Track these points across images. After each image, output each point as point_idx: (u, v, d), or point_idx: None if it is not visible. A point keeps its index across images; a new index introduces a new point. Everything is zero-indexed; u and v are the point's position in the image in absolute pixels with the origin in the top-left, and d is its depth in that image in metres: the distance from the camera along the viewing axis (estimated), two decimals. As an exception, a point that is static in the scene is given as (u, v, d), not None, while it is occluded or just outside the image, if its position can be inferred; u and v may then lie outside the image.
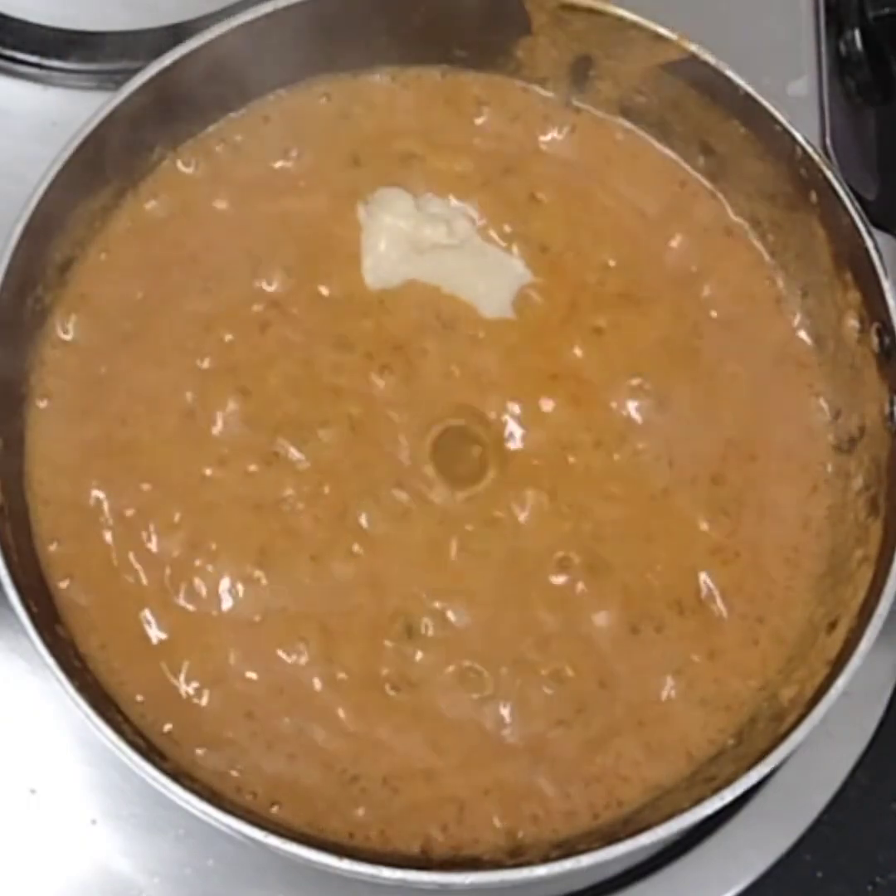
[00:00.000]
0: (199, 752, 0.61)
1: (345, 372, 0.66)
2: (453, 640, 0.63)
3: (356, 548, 0.63)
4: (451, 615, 0.63)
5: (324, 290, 0.67)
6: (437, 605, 0.63)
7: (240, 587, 0.63)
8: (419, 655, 0.62)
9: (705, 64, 0.65)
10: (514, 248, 0.68)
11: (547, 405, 0.65)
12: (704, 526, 0.65)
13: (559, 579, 0.63)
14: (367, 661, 0.62)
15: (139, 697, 0.61)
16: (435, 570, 0.63)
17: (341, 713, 0.61)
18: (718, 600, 0.64)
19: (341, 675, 0.62)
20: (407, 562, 0.63)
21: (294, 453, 0.64)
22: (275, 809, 0.60)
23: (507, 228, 0.68)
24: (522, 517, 0.64)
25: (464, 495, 0.64)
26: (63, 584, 0.63)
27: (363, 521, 0.64)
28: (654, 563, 0.64)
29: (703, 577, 0.64)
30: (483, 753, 0.61)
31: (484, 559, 0.64)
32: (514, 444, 0.65)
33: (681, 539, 0.64)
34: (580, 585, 0.63)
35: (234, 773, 0.61)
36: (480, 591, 0.63)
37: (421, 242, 0.67)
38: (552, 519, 0.64)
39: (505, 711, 0.62)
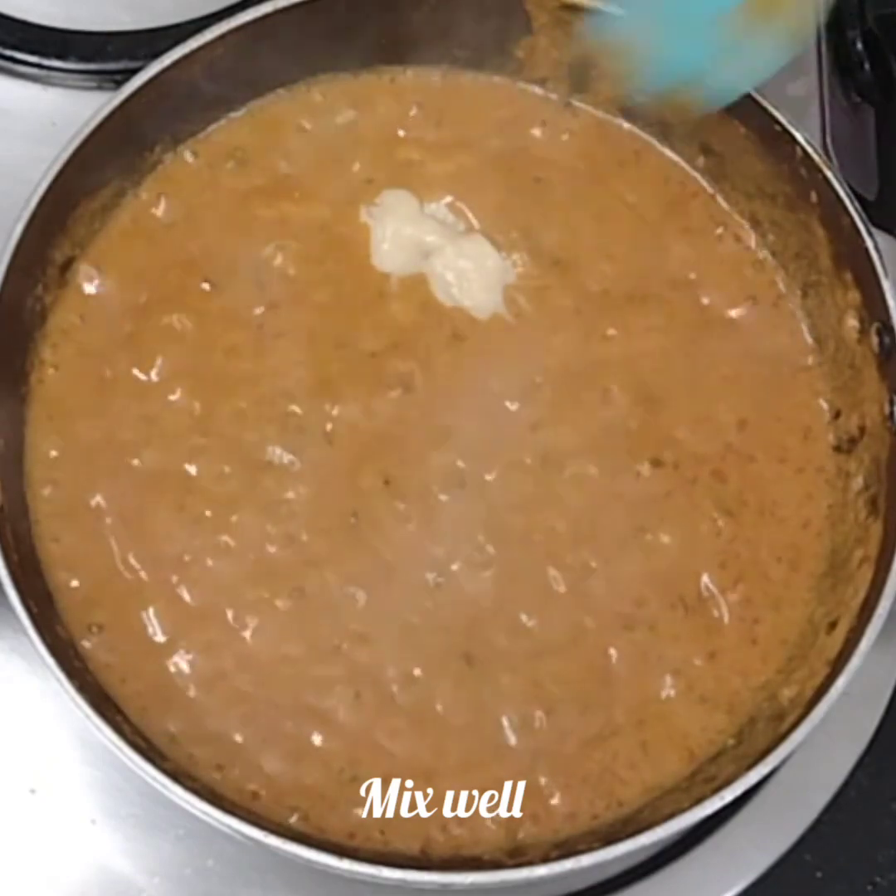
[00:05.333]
0: (198, 752, 0.61)
1: (349, 374, 0.66)
2: (454, 643, 0.63)
3: (352, 552, 0.63)
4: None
5: (327, 292, 0.67)
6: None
7: (239, 587, 0.63)
8: (420, 656, 0.62)
9: (705, 64, 0.65)
10: (518, 254, 0.68)
11: (547, 407, 0.66)
12: (706, 526, 0.65)
13: (562, 583, 0.64)
14: (368, 663, 0.62)
15: (139, 697, 0.61)
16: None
17: (341, 715, 0.61)
18: (719, 600, 0.64)
19: (341, 677, 0.62)
20: (404, 564, 0.64)
21: (290, 457, 0.64)
22: (276, 810, 0.60)
23: (513, 235, 0.68)
24: (522, 522, 0.64)
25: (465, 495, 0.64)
26: (63, 585, 0.62)
27: (360, 524, 0.64)
28: (656, 562, 0.64)
29: (704, 576, 0.64)
30: (483, 754, 0.61)
31: (486, 562, 0.64)
32: (515, 445, 0.65)
33: (683, 539, 0.64)
34: (584, 585, 0.63)
35: (235, 773, 0.61)
36: (481, 594, 0.63)
37: (424, 245, 0.67)
38: (553, 520, 0.64)
39: (506, 712, 0.62)
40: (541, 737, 0.62)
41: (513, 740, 0.61)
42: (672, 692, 0.62)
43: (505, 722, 0.62)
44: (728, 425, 0.66)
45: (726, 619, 0.64)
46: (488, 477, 0.64)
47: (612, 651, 0.63)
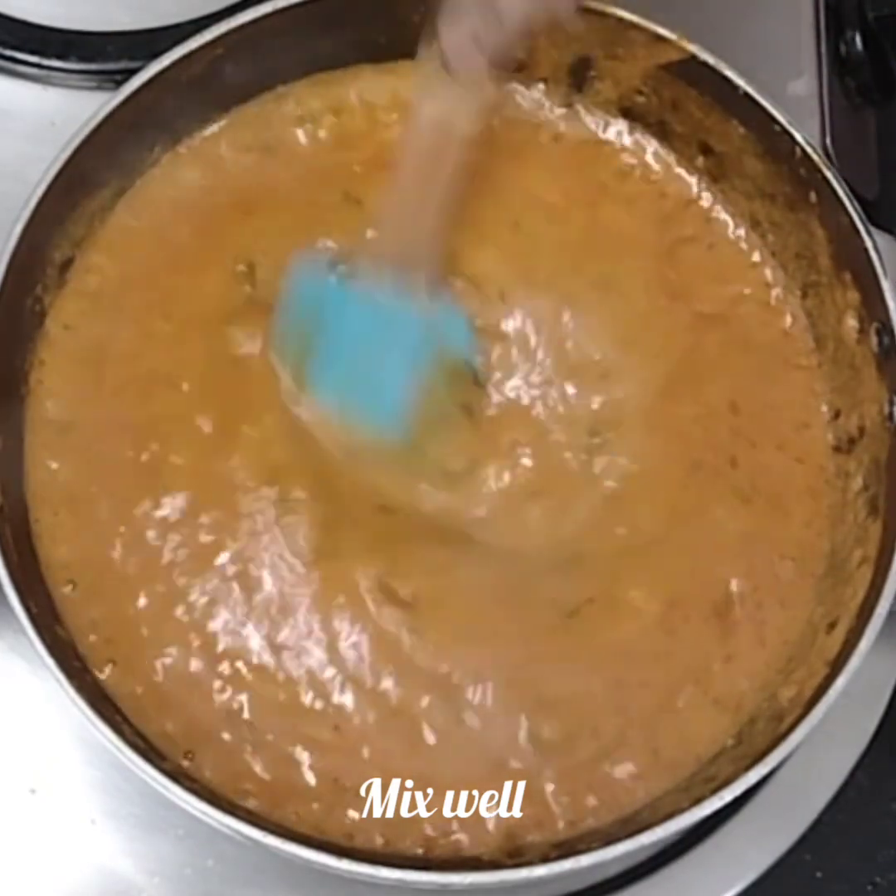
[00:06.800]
0: (196, 753, 0.61)
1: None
2: (460, 648, 0.62)
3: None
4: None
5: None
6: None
7: (237, 587, 0.63)
8: (419, 658, 0.62)
9: (705, 64, 0.65)
10: None
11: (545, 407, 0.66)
12: (726, 519, 0.64)
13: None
14: (364, 666, 0.62)
15: (137, 697, 0.61)
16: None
17: (340, 717, 0.61)
18: (739, 602, 0.63)
19: (339, 679, 0.62)
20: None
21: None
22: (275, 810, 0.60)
23: None
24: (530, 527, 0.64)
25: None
26: (62, 584, 0.62)
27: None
28: (684, 566, 0.63)
29: (731, 579, 0.63)
30: (486, 758, 0.61)
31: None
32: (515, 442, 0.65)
33: (704, 538, 0.64)
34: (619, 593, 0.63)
35: (232, 774, 0.61)
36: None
37: None
38: (560, 523, 0.64)
39: (515, 720, 0.62)
40: (550, 750, 0.61)
41: (520, 754, 0.61)
42: (689, 700, 0.62)
43: (517, 735, 0.61)
44: (727, 425, 0.66)
45: (742, 621, 0.63)
46: None
47: (637, 657, 0.62)
